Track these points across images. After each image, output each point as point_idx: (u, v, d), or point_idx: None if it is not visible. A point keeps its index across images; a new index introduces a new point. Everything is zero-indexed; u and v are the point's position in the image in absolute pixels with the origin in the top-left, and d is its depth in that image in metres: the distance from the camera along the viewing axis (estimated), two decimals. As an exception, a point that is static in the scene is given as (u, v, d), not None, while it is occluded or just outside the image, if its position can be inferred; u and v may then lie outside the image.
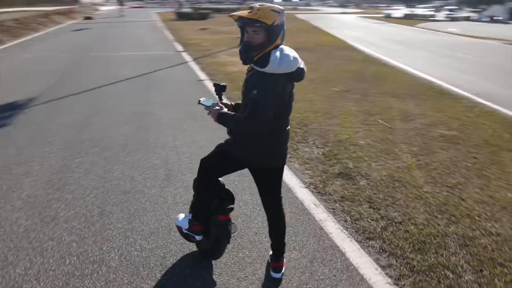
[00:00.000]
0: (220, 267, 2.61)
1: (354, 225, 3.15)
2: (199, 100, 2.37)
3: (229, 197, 2.49)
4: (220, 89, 2.41)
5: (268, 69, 2.00)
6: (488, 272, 2.61)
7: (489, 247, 2.89)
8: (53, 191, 3.59)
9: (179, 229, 2.63)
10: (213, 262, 2.65)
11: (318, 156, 4.56)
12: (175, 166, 4.21)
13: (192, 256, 2.74)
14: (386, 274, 2.57)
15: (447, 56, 15.25)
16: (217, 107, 2.25)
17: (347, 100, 7.15)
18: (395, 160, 4.48)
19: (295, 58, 2.06)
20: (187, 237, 2.61)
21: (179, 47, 14.49)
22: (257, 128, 2.07)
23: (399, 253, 2.78)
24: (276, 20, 1.98)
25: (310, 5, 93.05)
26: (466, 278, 2.55)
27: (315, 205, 3.43)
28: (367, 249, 2.84)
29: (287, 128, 2.27)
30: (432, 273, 2.58)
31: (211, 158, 2.43)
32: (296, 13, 43.85)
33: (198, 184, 2.48)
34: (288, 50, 2.07)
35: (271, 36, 2.00)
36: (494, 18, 49.14)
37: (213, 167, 2.42)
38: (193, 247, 2.80)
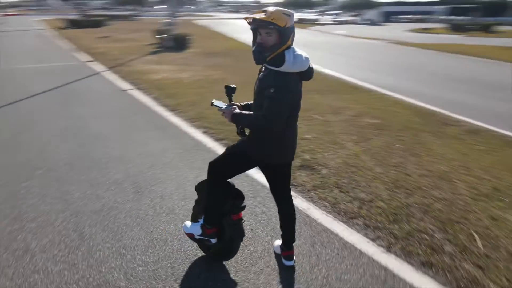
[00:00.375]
0: (233, 266, 2.66)
1: (334, 208, 3.46)
2: (212, 102, 2.42)
3: (240, 196, 2.57)
4: (230, 91, 2.47)
5: (284, 68, 2.15)
6: (451, 229, 3.14)
7: (443, 210, 3.45)
8: (10, 222, 3.17)
9: (190, 236, 2.61)
10: (224, 262, 2.69)
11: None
12: (140, 178, 4.05)
13: (201, 260, 2.73)
14: (378, 245, 2.93)
15: (343, 55, 17.02)
16: (231, 108, 2.32)
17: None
18: (343, 149, 4.96)
19: (306, 58, 2.24)
20: (201, 242, 2.61)
21: (85, 57, 13.46)
22: (274, 125, 2.20)
23: (380, 226, 3.17)
24: (287, 22, 2.14)
25: (203, 11, 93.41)
26: (437, 237, 3.03)
27: (294, 196, 3.64)
28: (354, 227, 3.17)
29: (297, 123, 2.44)
30: (412, 238, 3.01)
31: (223, 160, 2.47)
32: (193, 19, 43.06)
33: (210, 187, 2.50)
34: (300, 51, 2.24)
35: (283, 37, 2.16)
36: (371, 20, 55.77)
37: (225, 169, 2.47)
38: (198, 252, 2.79)
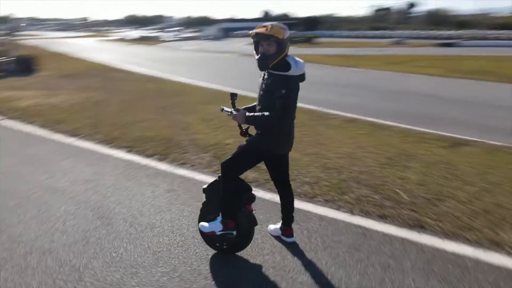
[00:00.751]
0: (246, 255, 2.93)
1: (294, 193, 4.02)
2: (223, 108, 2.69)
3: (249, 188, 2.87)
4: (234, 97, 2.76)
5: (291, 72, 2.60)
6: (381, 191, 4.08)
7: (368, 179, 4.41)
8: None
9: (212, 233, 2.78)
10: (235, 255, 2.93)
11: (211, 159, 5.09)
12: (95, 205, 3.80)
13: (216, 257, 2.91)
14: (344, 211, 3.63)
15: (202, 68, 17.93)
16: (241, 112, 2.64)
17: (178, 114, 7.75)
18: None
19: (303, 63, 2.74)
20: (223, 237, 2.81)
21: None
22: (285, 120, 2.63)
23: (336, 198, 3.89)
24: (285, 35, 2.60)
25: (23, 30, 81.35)
26: (376, 197, 3.92)
27: (256, 189, 4.08)
28: (319, 204, 3.80)
29: (294, 119, 2.89)
30: (361, 201, 3.81)
31: (234, 159, 2.74)
32: (18, 39, 36.31)
33: (225, 184, 2.74)
34: (297, 58, 2.72)
35: (282, 47, 2.61)
36: (213, 36, 58.94)
37: (237, 166, 2.75)
38: (208, 252, 2.96)
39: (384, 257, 2.89)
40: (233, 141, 5.78)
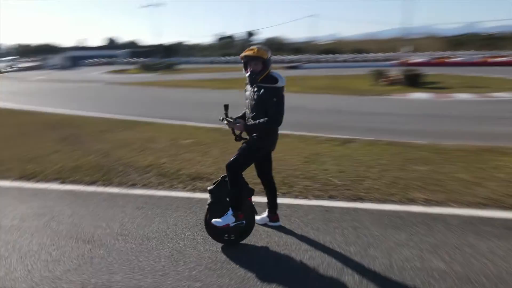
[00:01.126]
0: (251, 242, 3.42)
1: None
2: (223, 118, 3.21)
3: (247, 183, 3.39)
4: (226, 108, 3.29)
5: (279, 84, 3.28)
6: (316, 180, 5.05)
7: (308, 174, 5.34)
8: None
9: (227, 226, 3.19)
10: (241, 247, 3.39)
11: (158, 177, 5.23)
12: (75, 233, 3.67)
13: (226, 250, 3.31)
14: (302, 198, 4.42)
15: (73, 98, 16.78)
16: (239, 122, 3.21)
17: (87, 143, 7.42)
18: (202, 163, 6.02)
19: (284, 77, 3.42)
20: (235, 227, 3.23)
21: None
22: (279, 123, 3.27)
23: (290, 190, 4.66)
24: (268, 55, 3.28)
25: None
26: (334, 183, 4.86)
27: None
28: (279, 196, 4.50)
29: None
30: (308, 189, 4.68)
31: (236, 159, 3.24)
32: None
33: (231, 182, 3.21)
34: (279, 73, 3.40)
35: (266, 65, 3.28)
36: (60, 65, 53.81)
37: (239, 165, 3.26)
38: (216, 246, 3.34)
39: (350, 222, 3.78)
40: (167, 160, 6.03)
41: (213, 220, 3.27)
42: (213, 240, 3.40)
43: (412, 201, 4.29)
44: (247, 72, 3.28)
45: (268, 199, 3.71)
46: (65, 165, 5.78)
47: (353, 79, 25.58)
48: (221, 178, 3.37)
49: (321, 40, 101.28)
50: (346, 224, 3.73)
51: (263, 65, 3.25)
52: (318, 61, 56.30)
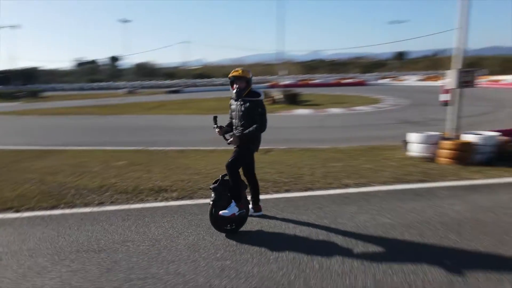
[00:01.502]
0: (248, 229, 4.10)
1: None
2: (215, 126, 3.90)
3: (242, 179, 4.09)
4: (215, 118, 4.00)
5: (261, 98, 4.10)
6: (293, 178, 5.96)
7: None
8: None
9: (233, 215, 3.82)
10: (241, 233, 4.04)
11: (118, 194, 5.39)
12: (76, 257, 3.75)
13: (228, 237, 3.94)
14: (276, 192, 5.25)
15: None
16: (233, 136, 3.93)
17: (15, 173, 6.85)
18: (154, 178, 6.32)
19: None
20: (241, 216, 3.88)
21: None
22: (265, 128, 4.07)
23: (263, 188, 5.44)
24: (250, 75, 4.10)
25: None
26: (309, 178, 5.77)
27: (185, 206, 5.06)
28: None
29: None
30: (268, 182, 5.55)
31: (234, 159, 3.93)
32: None
33: (232, 178, 3.88)
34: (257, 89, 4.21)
35: (249, 83, 4.08)
36: None
37: (237, 164, 3.96)
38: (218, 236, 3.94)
39: (314, 205, 4.77)
40: (116, 180, 6.15)
41: (221, 212, 3.86)
42: (215, 232, 3.96)
43: (346, 186, 5.57)
44: (234, 89, 4.04)
45: (252, 193, 4.44)
46: (13, 193, 5.41)
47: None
48: (221, 177, 4.00)
49: (190, 65, 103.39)
50: (312, 206, 4.72)
51: (246, 83, 4.06)
52: (195, 85, 57.80)
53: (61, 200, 5.16)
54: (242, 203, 3.99)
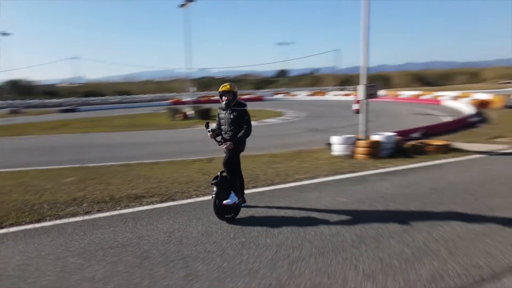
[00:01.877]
0: (242, 216, 4.89)
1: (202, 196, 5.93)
2: (208, 130, 4.69)
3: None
4: (207, 124, 4.75)
5: (246, 107, 4.97)
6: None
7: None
8: None
9: (234, 204, 4.60)
10: (238, 220, 4.80)
11: (96, 204, 5.61)
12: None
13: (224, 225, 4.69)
14: (246, 188, 6.07)
15: None
16: (228, 142, 4.74)
17: None
18: (110, 184, 6.57)
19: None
20: (239, 205, 4.66)
21: None
22: (251, 132, 4.94)
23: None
24: (236, 89, 4.96)
25: None
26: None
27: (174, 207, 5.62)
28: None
29: None
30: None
31: (229, 157, 4.72)
32: None
33: (231, 173, 4.67)
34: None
35: (235, 95, 4.93)
36: None
37: (233, 161, 4.76)
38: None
39: (285, 195, 5.79)
40: (85, 193, 6.27)
41: (224, 201, 4.61)
42: (218, 221, 4.66)
43: (300, 179, 6.74)
44: (223, 101, 4.86)
45: (240, 186, 5.25)
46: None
47: (149, 117, 27.28)
48: (220, 173, 4.75)
49: (72, 82, 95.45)
50: (282, 196, 5.73)
51: (233, 95, 4.91)
52: (89, 103, 54.16)
53: (42, 214, 5.17)
54: (240, 195, 4.79)
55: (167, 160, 9.73)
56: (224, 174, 4.79)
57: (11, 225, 4.85)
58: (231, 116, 4.87)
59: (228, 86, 4.85)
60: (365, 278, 3.25)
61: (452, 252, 3.69)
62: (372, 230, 4.28)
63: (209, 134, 4.87)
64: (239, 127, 4.83)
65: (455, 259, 3.55)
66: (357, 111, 11.44)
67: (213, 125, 5.07)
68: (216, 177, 4.77)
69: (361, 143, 8.92)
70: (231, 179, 4.74)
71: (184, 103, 41.21)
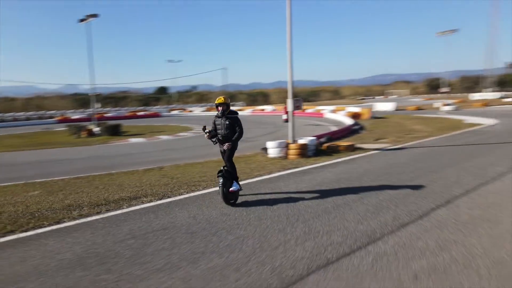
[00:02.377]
0: (241, 200, 6.10)
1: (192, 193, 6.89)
2: (205, 131, 5.91)
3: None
4: (204, 127, 5.93)
5: (239, 115, 6.23)
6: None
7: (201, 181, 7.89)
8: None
9: (238, 190, 5.84)
10: (238, 204, 6.01)
11: (92, 209, 6.12)
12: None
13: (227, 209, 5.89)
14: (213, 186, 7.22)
15: None
16: (226, 144, 5.98)
17: None
18: (107, 193, 7.03)
19: None
20: (238, 191, 5.89)
21: None
22: (243, 135, 6.20)
23: (203, 187, 7.27)
24: (229, 101, 6.19)
25: None
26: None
27: (176, 202, 6.51)
28: (201, 189, 7.04)
29: None
30: (196, 183, 7.49)
31: (231, 154, 5.94)
32: None
33: (231, 166, 5.90)
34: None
35: (228, 106, 6.17)
36: None
37: (232, 156, 5.99)
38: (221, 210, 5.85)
39: (260, 185, 7.15)
40: (72, 201, 6.60)
41: (230, 189, 5.79)
42: (225, 206, 5.79)
43: (261, 175, 8.18)
44: (219, 110, 6.06)
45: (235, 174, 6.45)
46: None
47: (45, 135, 25.15)
48: (222, 168, 5.92)
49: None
50: (260, 186, 7.11)
51: (226, 106, 6.16)
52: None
53: (39, 220, 5.39)
54: (238, 182, 6.04)
55: (119, 171, 10.06)
56: (226, 168, 5.98)
57: (6, 233, 5.15)
58: (226, 122, 6.09)
59: (222, 99, 6.07)
60: (356, 223, 4.90)
61: (397, 205, 5.64)
62: (340, 200, 6.00)
63: (206, 135, 5.98)
64: (233, 131, 6.08)
65: (401, 207, 5.49)
66: (286, 121, 13.42)
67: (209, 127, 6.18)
68: (220, 171, 5.93)
69: (292, 146, 10.83)
70: (232, 171, 5.96)
71: (76, 120, 38.64)
